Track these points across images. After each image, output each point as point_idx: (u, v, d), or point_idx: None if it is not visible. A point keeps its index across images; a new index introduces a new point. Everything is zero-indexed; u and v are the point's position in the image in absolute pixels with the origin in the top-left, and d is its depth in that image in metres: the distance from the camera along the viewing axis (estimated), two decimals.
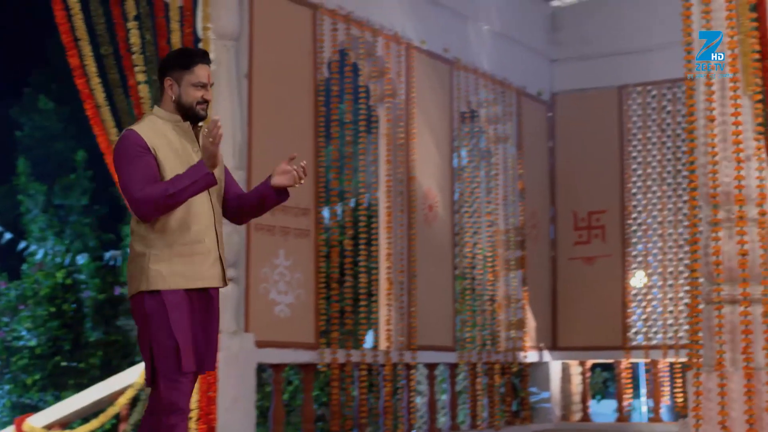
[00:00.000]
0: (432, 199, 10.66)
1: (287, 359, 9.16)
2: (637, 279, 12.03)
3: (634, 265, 12.02)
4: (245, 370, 8.56)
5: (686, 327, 11.43)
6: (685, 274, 11.53)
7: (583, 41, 12.41)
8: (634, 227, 12.07)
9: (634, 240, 12.06)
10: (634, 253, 12.04)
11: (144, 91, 7.89)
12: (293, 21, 9.32)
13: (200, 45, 8.28)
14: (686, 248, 11.53)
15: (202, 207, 4.61)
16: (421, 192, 10.49)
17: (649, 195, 11.96)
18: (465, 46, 11.31)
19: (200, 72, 4.66)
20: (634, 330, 11.95)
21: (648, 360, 11.96)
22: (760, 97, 7.21)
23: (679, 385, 11.77)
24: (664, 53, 11.60)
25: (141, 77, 7.89)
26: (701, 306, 7.37)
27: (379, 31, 10.09)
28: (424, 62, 10.68)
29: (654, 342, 11.81)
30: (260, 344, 8.66)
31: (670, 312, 11.73)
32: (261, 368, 9.23)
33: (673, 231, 11.76)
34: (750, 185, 7.16)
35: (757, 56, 7.21)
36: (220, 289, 4.71)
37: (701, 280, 7.50)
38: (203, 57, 4.73)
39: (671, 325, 11.72)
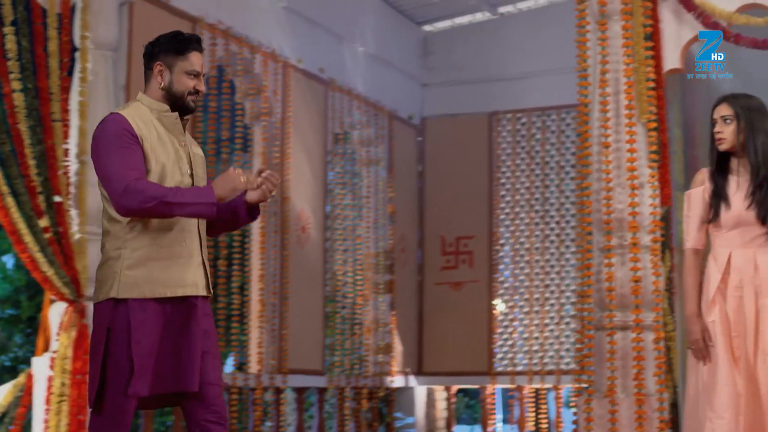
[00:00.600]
0: (305, 220, 10.48)
1: None
2: (504, 305, 12.06)
3: (500, 291, 12.05)
4: None
5: (551, 353, 11.58)
6: (551, 301, 11.65)
7: (455, 67, 12.43)
8: (502, 253, 12.11)
9: (501, 266, 12.10)
10: (501, 279, 12.07)
11: (19, 99, 7.46)
12: None
13: (77, 54, 7.92)
14: (552, 275, 11.68)
15: None
16: (295, 213, 10.29)
17: (517, 221, 12.02)
18: (340, 67, 11.19)
19: (195, 60, 4.25)
20: (499, 356, 11.97)
21: (514, 386, 11.98)
22: (654, 125, 7.30)
23: (543, 411, 11.86)
24: (534, 81, 11.76)
25: (16, 85, 7.47)
26: (592, 332, 7.38)
27: (257, 48, 9.88)
28: (301, 81, 10.50)
29: (519, 368, 11.85)
30: None
31: (536, 338, 11.80)
32: None
33: (540, 258, 11.84)
34: (643, 212, 7.23)
35: (651, 84, 7.30)
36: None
37: (583, 305, 7.53)
38: (198, 44, 4.31)
39: (536, 351, 11.78)
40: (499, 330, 12.00)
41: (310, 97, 10.65)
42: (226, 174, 4.16)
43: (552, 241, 11.75)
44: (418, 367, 12.24)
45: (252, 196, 4.25)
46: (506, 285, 12.06)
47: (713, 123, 4.90)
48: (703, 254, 4.93)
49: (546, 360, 11.65)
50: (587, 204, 7.42)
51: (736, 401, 4.69)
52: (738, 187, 4.83)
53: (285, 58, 10.24)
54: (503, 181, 12.16)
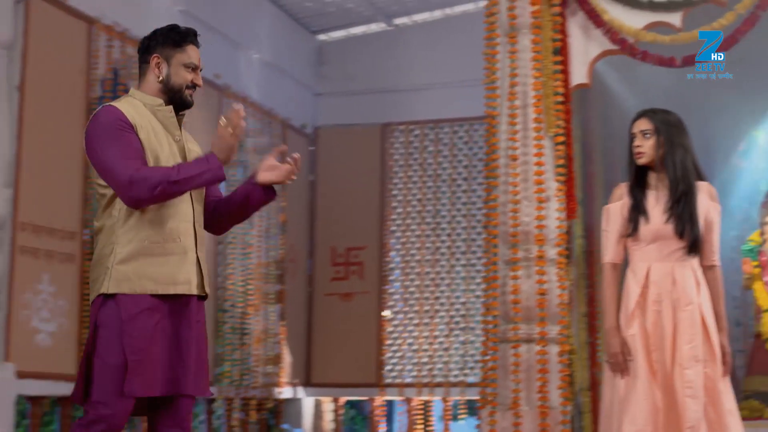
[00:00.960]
0: None
1: (47, 391, 8.53)
2: (394, 316, 12.02)
3: (390, 303, 12.01)
4: (4, 402, 7.89)
5: (440, 366, 11.57)
6: (441, 313, 11.65)
7: (349, 77, 12.36)
8: (392, 265, 12.08)
9: (391, 278, 12.06)
10: (391, 290, 12.03)
11: None
12: (69, 34, 8.75)
13: None
14: (443, 287, 11.67)
15: (181, 203, 4.03)
16: None
17: (408, 233, 11.99)
18: (236, 74, 11.02)
19: (192, 53, 4.12)
20: (388, 367, 11.92)
21: (402, 398, 11.95)
22: (561, 138, 7.35)
23: (431, 423, 11.85)
24: (428, 93, 11.76)
25: None
26: (498, 344, 7.40)
27: None
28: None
29: (408, 380, 11.82)
30: (21, 375, 8.01)
31: (425, 350, 11.78)
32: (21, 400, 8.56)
33: (431, 270, 11.84)
34: (550, 225, 7.27)
35: (559, 98, 7.36)
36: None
37: (488, 318, 7.54)
38: (195, 37, 4.18)
39: (425, 363, 11.77)
40: (389, 342, 11.94)
41: (204, 103, 10.47)
42: (215, 134, 4.01)
43: (443, 254, 11.75)
44: (307, 379, 12.12)
45: (269, 176, 4.13)
46: (396, 296, 12.02)
47: (632, 137, 4.94)
48: (621, 268, 4.95)
49: (435, 372, 11.64)
50: (494, 216, 7.43)
51: (655, 415, 4.72)
52: (657, 202, 4.87)
53: None
54: (395, 192, 12.12)
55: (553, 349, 7.18)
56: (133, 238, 3.94)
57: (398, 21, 12.27)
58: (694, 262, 4.86)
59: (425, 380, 11.72)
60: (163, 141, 4.07)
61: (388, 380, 11.89)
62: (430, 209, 11.95)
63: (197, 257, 4.08)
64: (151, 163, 3.98)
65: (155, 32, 4.18)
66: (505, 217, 7.36)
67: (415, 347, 11.83)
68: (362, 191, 12.14)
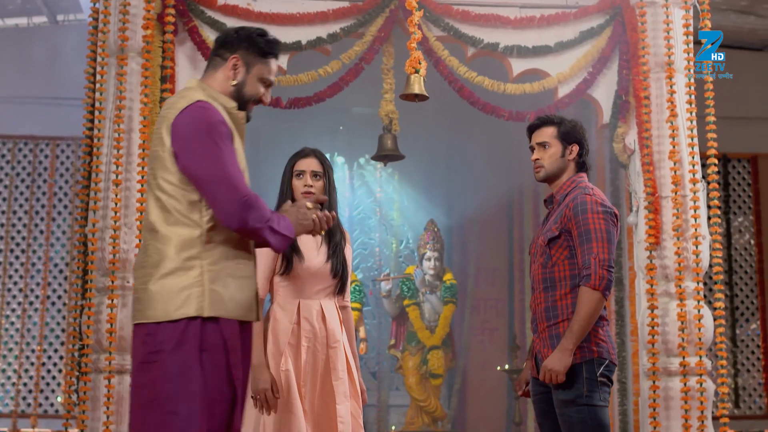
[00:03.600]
0: None
1: None
2: None
3: None
4: None
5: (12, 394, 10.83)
6: (16, 340, 10.92)
7: None
8: None
9: None
10: None
11: None
12: None
13: None
14: (13, 318, 10.96)
15: None
16: None
17: None
18: None
19: (273, 67, 3.76)
20: None
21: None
22: None
23: None
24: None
25: None
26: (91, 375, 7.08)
27: None
28: None
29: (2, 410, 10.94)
30: None
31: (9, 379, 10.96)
32: None
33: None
34: None
35: None
36: None
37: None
38: (279, 52, 3.80)
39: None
40: None
41: None
42: (301, 212, 3.71)
43: (4, 284, 11.05)
44: None
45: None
46: None
47: (298, 175, 4.93)
48: (264, 303, 4.92)
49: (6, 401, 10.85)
50: (93, 242, 7.13)
51: None
52: (308, 239, 4.91)
53: None
54: None
55: None
56: (220, 256, 3.58)
57: None
58: (336, 300, 4.96)
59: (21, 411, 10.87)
60: (241, 148, 3.73)
61: None
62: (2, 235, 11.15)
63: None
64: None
65: (243, 30, 3.81)
66: (103, 243, 7.10)
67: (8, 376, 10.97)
68: None
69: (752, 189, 11.17)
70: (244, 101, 3.79)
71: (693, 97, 7.70)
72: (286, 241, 3.65)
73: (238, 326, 3.63)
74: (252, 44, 3.79)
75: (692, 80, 7.72)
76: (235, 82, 3.77)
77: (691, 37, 7.75)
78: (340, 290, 4.95)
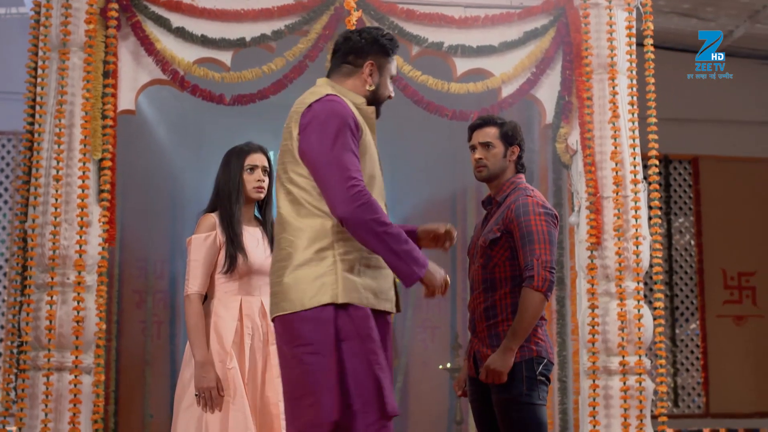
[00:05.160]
0: None
1: None
2: None
3: None
4: None
5: None
6: None
7: None
8: None
9: None
10: None
11: None
12: None
13: None
14: None
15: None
16: None
17: None
18: None
19: (396, 63, 3.86)
20: None
21: None
22: (108, 163, 7.17)
23: None
24: None
25: None
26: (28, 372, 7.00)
27: None
28: None
29: None
30: None
31: None
32: None
33: None
34: (90, 251, 7.04)
35: (109, 122, 7.18)
36: None
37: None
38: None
39: None
40: None
41: None
42: (440, 271, 3.73)
43: None
44: None
45: (427, 245, 3.97)
46: None
47: (250, 170, 4.90)
48: (203, 299, 4.87)
49: None
50: (33, 237, 7.05)
51: None
52: (250, 236, 4.88)
53: None
54: None
55: (87, 379, 6.94)
56: (353, 246, 3.64)
57: None
58: None
59: None
60: (373, 147, 3.81)
61: None
62: None
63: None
64: (371, 168, 3.73)
65: (369, 34, 3.88)
66: (43, 239, 7.02)
67: None
68: None
69: (693, 190, 11.29)
70: (378, 102, 3.93)
71: (635, 98, 7.77)
72: (403, 270, 3.62)
73: (372, 315, 3.64)
74: (381, 47, 3.89)
75: (634, 82, 7.80)
76: (372, 87, 3.89)
77: (634, 39, 7.82)
78: None
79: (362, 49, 3.88)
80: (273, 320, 3.78)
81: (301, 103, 3.84)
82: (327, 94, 3.78)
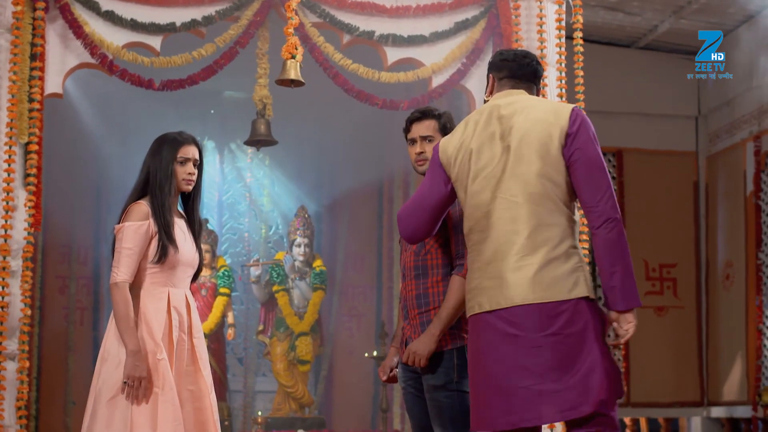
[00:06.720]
0: None
1: None
2: None
3: None
4: None
5: None
6: None
7: None
8: None
9: None
10: None
11: None
12: None
13: None
14: None
15: None
16: None
17: None
18: None
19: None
20: None
21: None
22: (35, 147, 7.07)
23: None
24: None
25: None
26: None
27: None
28: None
29: None
30: None
31: None
32: None
33: None
34: (16, 236, 6.95)
35: (36, 105, 7.09)
36: None
37: None
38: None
39: None
40: None
41: None
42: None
43: None
44: None
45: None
46: None
47: (182, 162, 4.82)
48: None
49: None
50: None
51: None
52: (178, 228, 4.82)
53: None
54: None
55: (12, 366, 6.85)
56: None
57: None
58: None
59: None
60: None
61: None
62: None
63: None
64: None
65: (504, 52, 4.37)
66: None
67: None
68: None
69: (617, 182, 11.44)
70: None
71: (564, 90, 7.86)
72: (632, 294, 4.05)
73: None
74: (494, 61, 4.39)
75: (563, 74, 7.88)
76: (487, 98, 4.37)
77: (563, 32, 7.90)
78: (194, 279, 4.92)
79: (497, 65, 4.37)
80: (530, 306, 3.99)
81: (546, 108, 4.06)
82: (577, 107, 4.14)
